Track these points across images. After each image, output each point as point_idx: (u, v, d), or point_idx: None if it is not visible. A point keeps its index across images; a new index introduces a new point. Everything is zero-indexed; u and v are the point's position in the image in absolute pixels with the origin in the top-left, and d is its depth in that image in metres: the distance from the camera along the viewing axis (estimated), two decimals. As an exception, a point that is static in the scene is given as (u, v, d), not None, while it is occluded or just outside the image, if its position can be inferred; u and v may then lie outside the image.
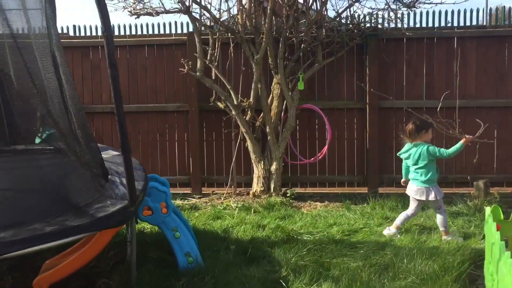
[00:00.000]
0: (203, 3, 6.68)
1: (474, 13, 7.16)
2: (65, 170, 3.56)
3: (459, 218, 5.64)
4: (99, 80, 7.44)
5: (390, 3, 6.78)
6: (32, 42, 3.73)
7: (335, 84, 7.24)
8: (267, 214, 5.91)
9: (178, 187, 7.49)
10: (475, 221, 5.45)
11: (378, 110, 7.09)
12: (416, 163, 4.96)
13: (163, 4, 6.62)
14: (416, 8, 6.80)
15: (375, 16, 7.20)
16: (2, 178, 4.05)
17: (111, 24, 3.37)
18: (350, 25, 7.05)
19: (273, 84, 6.97)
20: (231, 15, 7.07)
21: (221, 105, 6.99)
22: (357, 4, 6.86)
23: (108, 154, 4.70)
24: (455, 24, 7.19)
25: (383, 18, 7.21)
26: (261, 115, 6.91)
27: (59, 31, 7.70)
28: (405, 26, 7.12)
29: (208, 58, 6.85)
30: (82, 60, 7.47)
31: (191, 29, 7.19)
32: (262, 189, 6.81)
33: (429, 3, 6.75)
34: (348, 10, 6.97)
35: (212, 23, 6.89)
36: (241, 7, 6.71)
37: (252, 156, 6.94)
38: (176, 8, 6.65)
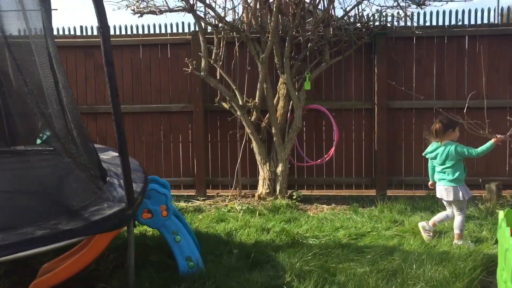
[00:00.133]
0: (207, 1, 6.57)
1: (486, 13, 6.98)
2: (59, 171, 3.45)
3: (471, 221, 5.46)
4: (103, 80, 7.31)
5: (399, 1, 6.64)
6: (30, 41, 3.64)
7: (342, 84, 7.10)
8: (272, 217, 5.78)
9: (183, 189, 7.39)
10: (487, 225, 5.27)
11: (386, 111, 6.94)
12: (443, 163, 4.78)
13: (166, 3, 6.51)
14: (426, 5, 6.64)
15: (383, 14, 7.03)
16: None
17: (108, 21, 3.24)
18: (358, 24, 6.92)
19: (279, 84, 6.84)
20: (236, 13, 6.95)
21: (226, 105, 6.88)
22: (365, 2, 6.75)
23: (108, 155, 4.59)
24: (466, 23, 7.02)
25: (392, 16, 7.05)
26: (267, 115, 6.79)
27: (63, 32, 7.64)
28: (415, 24, 6.97)
29: (213, 57, 6.74)
30: (85, 60, 7.38)
31: (195, 29, 7.06)
32: (267, 191, 6.67)
33: (439, 1, 6.59)
34: (356, 8, 6.83)
35: (216, 22, 6.77)
36: (246, 5, 6.59)
37: (258, 157, 6.82)
38: (180, 6, 6.54)
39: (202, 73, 6.72)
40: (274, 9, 6.36)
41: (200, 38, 6.71)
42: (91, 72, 7.35)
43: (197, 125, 7.17)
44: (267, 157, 6.80)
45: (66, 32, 7.65)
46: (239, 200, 6.77)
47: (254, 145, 6.83)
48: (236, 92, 6.76)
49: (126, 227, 3.51)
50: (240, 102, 6.71)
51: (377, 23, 6.97)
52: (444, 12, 7.08)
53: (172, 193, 6.90)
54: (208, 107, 7.17)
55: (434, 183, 4.99)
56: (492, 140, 4.60)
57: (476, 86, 6.83)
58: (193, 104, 7.16)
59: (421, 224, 4.93)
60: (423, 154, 5.10)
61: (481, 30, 6.87)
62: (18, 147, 4.60)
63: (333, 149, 6.92)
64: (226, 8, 6.80)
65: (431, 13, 7.02)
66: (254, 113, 6.77)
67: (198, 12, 6.67)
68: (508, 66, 6.86)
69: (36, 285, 3.41)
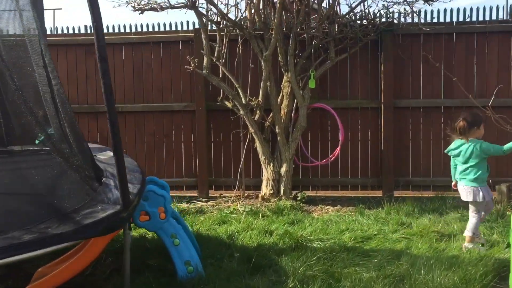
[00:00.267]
0: (209, -2, 6.45)
1: (494, 10, 6.82)
2: (50, 172, 3.30)
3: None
4: (104, 79, 7.19)
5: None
6: (25, 40, 3.53)
7: (348, 82, 6.96)
8: (275, 219, 5.63)
9: (185, 190, 7.26)
10: (497, 228, 5.09)
11: (393, 109, 6.79)
12: (466, 161, 4.59)
13: (168, -1, 6.38)
14: (434, 1, 6.47)
15: (390, 10, 6.87)
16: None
17: (101, 15, 3.10)
18: (364, 20, 6.79)
19: (283, 82, 6.72)
20: (239, 10, 6.81)
21: (229, 104, 6.74)
22: (371, -3, 6.57)
23: (106, 155, 4.45)
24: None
25: (398, 12, 6.92)
26: (271, 114, 6.68)
27: (61, 31, 7.54)
28: (422, 21, 6.81)
29: (215, 55, 6.62)
30: (86, 58, 7.26)
31: (197, 26, 6.93)
32: (271, 192, 6.53)
33: (447, -4, 6.44)
34: (361, 4, 6.71)
35: (219, 19, 6.64)
36: (249, 2, 6.49)
37: (261, 157, 6.68)
38: (182, 3, 6.42)
39: (204, 71, 6.59)
40: (278, 5, 6.24)
41: (202, 36, 6.59)
42: (92, 70, 7.21)
43: (200, 125, 7.04)
44: (271, 157, 6.66)
45: (64, 31, 7.55)
46: (242, 201, 6.62)
47: (257, 144, 6.69)
48: (239, 91, 6.64)
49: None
50: (243, 101, 6.58)
51: (383, 20, 6.82)
52: (451, 10, 6.87)
53: (174, 194, 6.90)
54: (211, 106, 7.04)
55: (457, 184, 4.79)
56: None
57: (485, 84, 6.67)
58: (195, 103, 7.03)
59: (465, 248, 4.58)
60: (445, 151, 4.88)
61: (491, 27, 6.71)
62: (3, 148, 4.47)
63: (338, 149, 6.78)
64: (229, 5, 6.70)
65: (438, 11, 6.90)
66: (258, 112, 6.65)
67: (200, 9, 6.56)
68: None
69: (30, 290, 3.29)
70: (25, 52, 3.32)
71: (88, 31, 7.53)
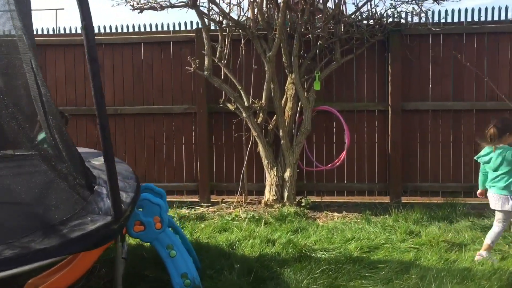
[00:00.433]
0: (211, -4, 6.27)
1: (503, 10, 6.57)
2: (36, 180, 3.10)
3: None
4: (102, 80, 6.96)
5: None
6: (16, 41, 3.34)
7: (354, 84, 6.77)
8: (278, 226, 5.43)
9: (186, 195, 7.08)
10: (510, 237, 4.86)
11: (401, 112, 6.58)
12: (497, 169, 4.38)
13: (168, -3, 6.19)
14: (443, 0, 6.26)
15: (398, 10, 6.67)
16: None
17: (91, 12, 2.89)
18: (371, 20, 6.60)
19: (287, 84, 6.55)
20: (241, 9, 6.62)
21: (231, 106, 6.55)
22: (378, -3, 6.37)
23: (100, 160, 4.22)
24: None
25: (406, 12, 6.72)
26: (274, 117, 6.51)
27: (58, 31, 7.38)
28: (431, 21, 6.59)
29: (217, 56, 6.43)
30: (84, 59, 7.03)
31: (199, 26, 6.73)
32: (274, 197, 6.34)
33: (457, -5, 6.22)
34: (368, 3, 6.52)
35: (221, 18, 6.47)
36: (252, 0, 6.32)
37: (264, 162, 6.48)
38: (183, 2, 6.24)
39: (205, 72, 6.40)
40: (282, 4, 6.07)
41: (204, 36, 6.41)
42: (90, 71, 7.01)
43: (201, 128, 6.86)
44: (275, 161, 6.46)
45: (67, 31, 7.36)
46: (244, 207, 6.43)
47: (260, 148, 6.50)
48: (242, 93, 6.46)
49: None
50: (246, 103, 6.40)
51: (390, 20, 6.63)
52: (459, 10, 6.65)
53: (174, 199, 6.71)
54: (213, 108, 6.86)
55: (484, 192, 4.58)
56: None
57: (497, 86, 6.43)
58: (196, 105, 6.85)
59: (477, 258, 4.34)
60: (475, 158, 4.67)
61: (503, 27, 6.50)
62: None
63: (344, 153, 6.60)
64: (231, 4, 6.50)
65: (446, 11, 6.67)
66: (261, 114, 6.47)
67: (201, 8, 6.39)
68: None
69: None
70: (8, 53, 3.15)
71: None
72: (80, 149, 4.00)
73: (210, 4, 6.40)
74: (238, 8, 6.57)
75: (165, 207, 3.77)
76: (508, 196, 4.31)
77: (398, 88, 6.55)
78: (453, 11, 6.65)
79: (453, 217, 5.58)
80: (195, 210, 6.42)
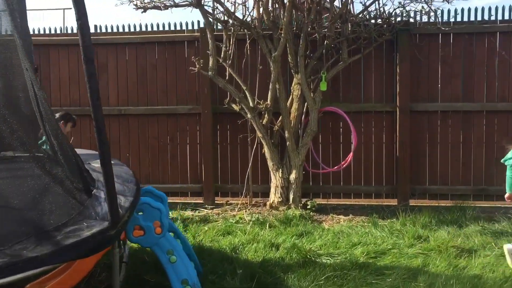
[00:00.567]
0: (216, -5, 6.18)
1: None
2: (29, 183, 3.01)
3: (502, 238, 4.93)
4: (106, 81, 6.96)
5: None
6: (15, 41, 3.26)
7: (361, 84, 6.66)
8: (283, 230, 5.32)
9: (190, 196, 6.99)
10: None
11: (409, 113, 6.46)
12: None
13: (172, -4, 6.10)
14: (453, -1, 6.12)
15: (406, 9, 6.55)
16: None
17: (87, 10, 2.80)
18: (379, 19, 6.49)
19: (292, 84, 6.46)
20: (246, 8, 6.52)
21: (236, 107, 6.46)
22: (386, -5, 6.26)
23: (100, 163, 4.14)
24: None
25: (415, 11, 6.59)
26: (280, 118, 6.42)
27: (59, 30, 7.31)
28: (440, 20, 6.46)
29: (222, 55, 6.34)
30: (87, 59, 6.98)
31: (203, 26, 6.63)
32: (280, 200, 6.23)
33: (467, -6, 6.09)
34: (376, 2, 6.42)
35: (226, 18, 6.37)
36: (257, 0, 6.15)
37: (270, 163, 6.38)
38: (187, 1, 6.16)
39: (210, 72, 6.31)
40: (288, 3, 5.99)
41: (208, 35, 6.32)
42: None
43: (205, 128, 6.77)
44: (280, 163, 6.36)
45: (69, 31, 7.30)
46: (249, 209, 6.32)
47: (265, 150, 6.41)
48: (247, 93, 6.37)
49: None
50: (251, 104, 6.30)
51: (399, 19, 6.53)
52: (469, 10, 6.50)
53: (178, 201, 6.63)
54: (217, 109, 6.79)
55: (511, 196, 4.42)
56: None
57: (508, 86, 6.30)
58: (201, 106, 6.77)
59: (508, 247, 4.26)
60: (502, 160, 4.52)
61: (515, 26, 6.34)
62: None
63: (351, 154, 6.50)
64: (236, 3, 6.41)
65: (455, 11, 6.51)
66: (266, 115, 6.37)
67: (206, 7, 6.32)
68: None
69: (17, 308, 3.03)
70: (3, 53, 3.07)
71: (92, 31, 7.25)
72: (80, 151, 3.92)
73: (215, 3, 6.34)
74: (243, 7, 6.50)
75: (166, 211, 3.68)
76: None
77: (406, 89, 6.42)
78: (462, 10, 6.51)
79: (462, 221, 5.45)
80: (199, 212, 6.33)
